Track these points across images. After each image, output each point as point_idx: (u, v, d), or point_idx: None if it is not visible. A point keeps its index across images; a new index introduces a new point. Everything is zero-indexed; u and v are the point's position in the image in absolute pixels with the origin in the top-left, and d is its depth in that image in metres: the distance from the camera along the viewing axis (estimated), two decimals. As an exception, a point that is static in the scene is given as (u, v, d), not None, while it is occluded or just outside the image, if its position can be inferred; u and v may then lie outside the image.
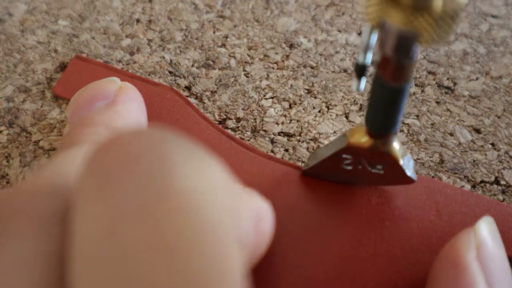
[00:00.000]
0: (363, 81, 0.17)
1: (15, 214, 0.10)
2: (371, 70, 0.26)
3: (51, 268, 0.10)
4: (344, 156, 0.19)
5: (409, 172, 0.19)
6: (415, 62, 0.15)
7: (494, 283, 0.15)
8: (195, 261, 0.09)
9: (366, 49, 0.16)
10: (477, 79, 0.26)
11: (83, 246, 0.09)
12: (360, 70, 0.16)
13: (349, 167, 0.19)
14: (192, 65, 0.26)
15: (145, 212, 0.09)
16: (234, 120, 0.24)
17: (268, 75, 0.26)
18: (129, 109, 0.19)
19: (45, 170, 0.12)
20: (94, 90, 0.19)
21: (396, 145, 0.18)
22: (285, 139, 0.23)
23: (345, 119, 0.24)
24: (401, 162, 0.18)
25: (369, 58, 0.16)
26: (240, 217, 0.13)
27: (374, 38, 0.15)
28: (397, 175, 0.19)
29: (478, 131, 0.24)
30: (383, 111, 0.17)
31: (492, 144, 0.23)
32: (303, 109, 0.25)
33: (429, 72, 0.26)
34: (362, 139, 0.18)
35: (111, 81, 0.20)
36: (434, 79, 0.26)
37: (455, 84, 0.26)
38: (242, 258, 0.10)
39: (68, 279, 0.09)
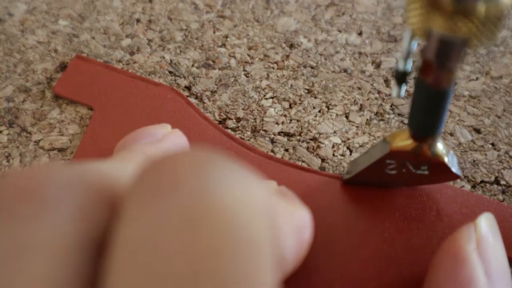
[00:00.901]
0: (404, 87, 0.16)
1: (62, 188, 0.11)
2: (371, 71, 0.26)
3: (71, 255, 0.10)
4: (388, 161, 0.18)
5: (454, 169, 0.18)
6: (460, 65, 0.15)
7: (493, 275, 0.15)
8: (227, 282, 0.09)
9: (406, 56, 0.15)
10: (477, 79, 0.26)
11: (122, 250, 0.10)
12: (401, 77, 0.16)
13: (393, 172, 0.19)
14: (192, 65, 0.26)
15: (185, 226, 0.09)
16: (234, 120, 0.24)
17: (268, 75, 0.26)
18: (172, 150, 0.18)
19: (88, 164, 0.12)
20: (142, 131, 0.19)
21: (439, 145, 0.18)
22: (285, 139, 0.23)
23: (345, 119, 0.24)
24: (446, 160, 0.18)
25: (410, 64, 0.16)
26: (283, 234, 0.13)
27: (415, 44, 0.15)
28: (443, 174, 0.18)
29: (478, 131, 0.24)
30: (427, 115, 0.16)
31: (492, 144, 0.23)
32: (303, 109, 0.24)
33: (429, 72, 0.26)
34: (405, 142, 0.18)
35: (162, 126, 0.20)
36: (434, 79, 0.26)
37: (455, 84, 0.26)
38: (276, 280, 0.11)
39: (101, 279, 0.10)
